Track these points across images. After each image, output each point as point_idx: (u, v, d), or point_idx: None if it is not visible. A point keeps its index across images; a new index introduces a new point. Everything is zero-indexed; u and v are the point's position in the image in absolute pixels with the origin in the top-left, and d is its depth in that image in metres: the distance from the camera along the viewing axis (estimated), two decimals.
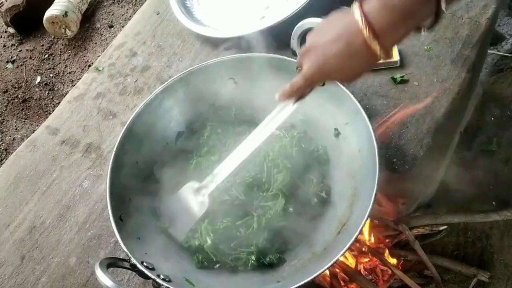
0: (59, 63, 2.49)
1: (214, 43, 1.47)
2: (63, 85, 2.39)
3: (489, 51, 2.05)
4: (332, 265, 0.92)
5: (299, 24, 1.14)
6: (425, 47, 1.33)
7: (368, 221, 1.42)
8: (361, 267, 1.40)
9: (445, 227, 1.45)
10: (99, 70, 1.52)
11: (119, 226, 1.01)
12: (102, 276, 0.87)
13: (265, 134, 1.00)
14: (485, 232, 1.62)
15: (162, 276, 0.94)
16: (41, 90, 2.43)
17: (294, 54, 1.16)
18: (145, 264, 0.95)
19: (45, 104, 2.37)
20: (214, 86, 1.24)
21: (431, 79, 1.27)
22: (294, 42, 1.15)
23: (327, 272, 1.30)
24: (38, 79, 2.48)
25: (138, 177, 1.15)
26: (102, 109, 1.43)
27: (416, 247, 1.37)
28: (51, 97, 2.38)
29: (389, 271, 1.39)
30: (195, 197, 1.07)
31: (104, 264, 0.90)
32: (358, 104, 1.05)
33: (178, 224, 1.09)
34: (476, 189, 1.66)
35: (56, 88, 2.40)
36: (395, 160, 1.16)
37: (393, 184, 1.18)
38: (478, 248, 1.60)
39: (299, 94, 0.94)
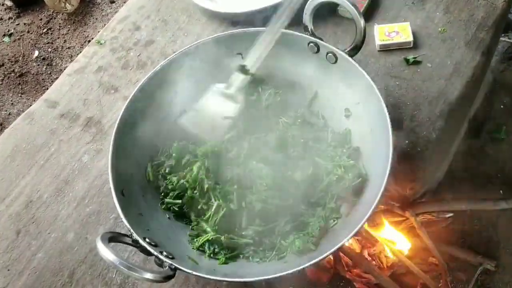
0: (58, 37, 2.43)
1: (221, 19, 1.43)
2: (62, 60, 2.33)
3: (500, 38, 2.01)
4: (337, 250, 0.89)
5: None
6: (440, 29, 1.29)
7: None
8: (365, 252, 1.37)
9: (451, 214, 1.43)
10: (101, 44, 1.48)
11: (121, 200, 0.97)
12: (104, 250, 0.83)
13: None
14: (491, 221, 1.60)
15: (165, 253, 0.91)
16: (38, 65, 2.37)
17: (306, 29, 1.12)
18: (147, 240, 0.92)
19: (42, 79, 2.31)
20: (221, 61, 1.19)
21: (444, 62, 1.24)
22: (306, 17, 1.11)
23: (331, 256, 1.27)
24: (36, 53, 2.42)
25: (141, 152, 1.11)
26: (103, 83, 1.39)
27: (422, 233, 1.34)
28: (49, 72, 2.32)
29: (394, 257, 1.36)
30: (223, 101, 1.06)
31: (105, 238, 0.86)
32: (372, 82, 1.01)
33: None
34: (484, 177, 1.64)
35: (54, 63, 2.34)
36: (407, 141, 1.13)
37: (404, 167, 1.15)
38: (484, 236, 1.58)
39: None
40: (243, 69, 1.07)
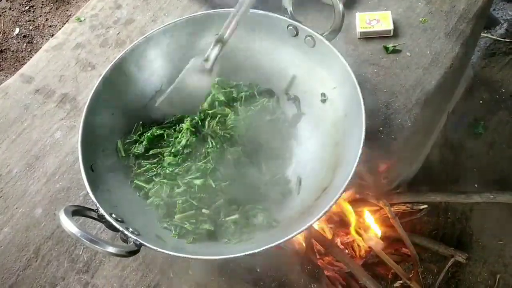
0: (40, 15, 2.39)
1: (203, 0, 1.42)
2: (43, 38, 2.30)
3: (482, 34, 2.02)
4: (307, 229, 0.88)
5: None
6: (421, 19, 1.29)
7: (349, 194, 1.39)
8: (338, 240, 1.37)
9: (425, 206, 1.43)
10: (81, 21, 1.45)
11: (89, 175, 0.95)
12: (66, 222, 0.81)
13: None
14: (465, 214, 1.61)
15: (131, 229, 0.89)
16: (19, 42, 2.33)
17: (285, 12, 1.11)
18: (113, 215, 0.91)
19: (22, 57, 2.27)
20: (200, 42, 1.17)
21: (423, 51, 1.24)
22: (286, 0, 1.10)
23: (303, 243, 1.27)
24: (17, 30, 2.37)
25: (114, 129, 1.09)
26: (80, 60, 1.36)
27: (396, 224, 1.34)
28: (29, 50, 2.28)
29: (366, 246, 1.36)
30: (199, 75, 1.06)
31: (69, 211, 0.85)
32: (348, 67, 1.00)
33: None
34: (460, 171, 1.64)
35: (35, 41, 2.30)
36: (381, 129, 1.13)
37: (378, 155, 1.14)
38: (457, 229, 1.59)
39: None
40: (218, 40, 1.06)
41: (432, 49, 1.23)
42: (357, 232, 1.32)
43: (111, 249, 0.82)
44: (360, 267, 1.31)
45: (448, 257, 1.49)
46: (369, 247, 1.35)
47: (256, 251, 0.86)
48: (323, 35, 1.06)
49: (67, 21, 2.32)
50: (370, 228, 1.34)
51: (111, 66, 1.08)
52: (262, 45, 1.16)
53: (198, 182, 1.01)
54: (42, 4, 2.44)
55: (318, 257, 1.32)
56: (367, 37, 1.27)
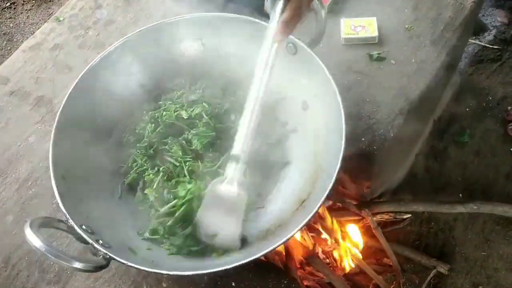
0: (21, 13, 2.34)
1: (186, 2, 1.38)
2: (23, 36, 2.25)
3: (470, 40, 2.01)
4: (284, 243, 0.85)
5: None
6: (406, 26, 1.27)
7: (331, 203, 1.37)
8: (319, 249, 1.35)
9: (409, 215, 1.41)
10: (60, 21, 1.42)
11: (60, 184, 0.92)
12: (30, 236, 0.78)
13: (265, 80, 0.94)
14: (448, 224, 1.59)
15: (101, 242, 0.86)
16: None
17: (268, 17, 1.08)
18: (84, 227, 0.87)
19: (1, 55, 2.23)
20: (180, 46, 1.15)
21: (408, 59, 1.21)
22: (268, 4, 1.07)
23: (283, 252, 1.24)
24: None
25: (88, 136, 1.06)
26: (58, 61, 1.33)
27: (378, 234, 1.32)
28: (8, 48, 2.24)
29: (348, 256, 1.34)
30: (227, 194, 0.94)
31: (35, 223, 0.81)
32: (329, 75, 0.98)
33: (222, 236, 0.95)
34: (444, 180, 1.62)
35: (15, 39, 2.26)
36: (363, 139, 1.11)
37: (360, 165, 1.12)
38: (440, 239, 1.57)
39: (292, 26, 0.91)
40: (234, 159, 0.95)
41: (417, 57, 1.21)
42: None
43: (77, 265, 0.79)
44: (340, 277, 1.28)
45: (430, 268, 1.47)
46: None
47: (229, 266, 0.83)
48: (305, 42, 1.03)
49: (48, 19, 2.28)
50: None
51: (86, 70, 1.05)
52: (243, 50, 1.13)
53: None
54: (24, 1, 2.39)
55: (298, 266, 1.30)
56: (352, 43, 1.25)
